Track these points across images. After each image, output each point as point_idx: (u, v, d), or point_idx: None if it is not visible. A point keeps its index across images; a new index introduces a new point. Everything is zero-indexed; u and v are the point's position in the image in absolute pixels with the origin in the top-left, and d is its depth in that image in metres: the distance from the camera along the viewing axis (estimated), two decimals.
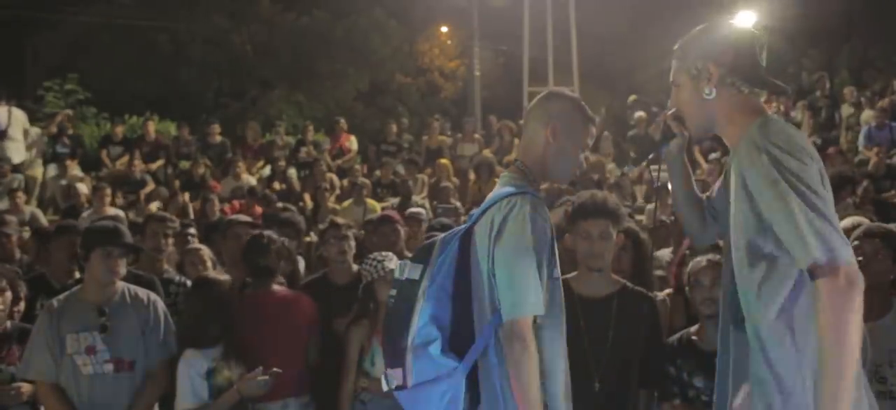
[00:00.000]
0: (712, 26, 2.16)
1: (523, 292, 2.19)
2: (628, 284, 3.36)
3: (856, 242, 3.07)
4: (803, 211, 1.81)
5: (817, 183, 1.86)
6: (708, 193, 2.49)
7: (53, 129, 11.07)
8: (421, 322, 2.26)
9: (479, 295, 2.32)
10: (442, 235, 2.44)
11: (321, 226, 4.64)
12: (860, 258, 2.86)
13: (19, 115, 10.56)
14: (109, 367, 3.34)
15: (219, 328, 3.42)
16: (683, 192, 2.48)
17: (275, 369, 3.40)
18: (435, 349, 2.25)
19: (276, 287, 3.88)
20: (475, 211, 2.44)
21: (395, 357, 2.28)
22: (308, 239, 6.95)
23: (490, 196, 2.41)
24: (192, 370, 3.32)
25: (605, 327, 3.14)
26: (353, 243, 4.30)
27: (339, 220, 4.52)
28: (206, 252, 4.82)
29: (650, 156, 10.52)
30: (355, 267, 4.18)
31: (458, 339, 2.29)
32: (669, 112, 2.34)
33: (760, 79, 2.10)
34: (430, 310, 2.28)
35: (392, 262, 3.70)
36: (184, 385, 3.33)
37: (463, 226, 2.43)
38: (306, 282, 4.36)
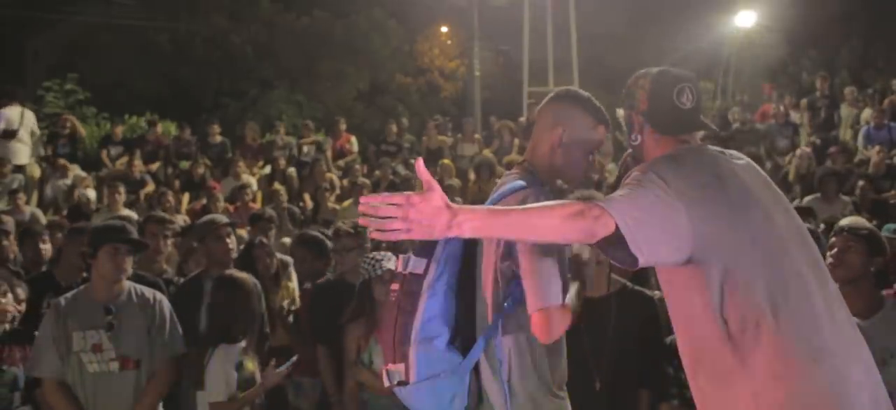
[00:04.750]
0: (639, 74, 2.25)
1: (548, 283, 2.10)
2: (628, 284, 3.37)
3: (832, 239, 3.09)
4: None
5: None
6: None
7: (69, 131, 11.19)
8: (426, 316, 2.18)
9: (482, 291, 2.25)
10: None
11: (342, 224, 4.62)
12: (834, 251, 2.99)
13: (30, 117, 10.57)
14: (115, 366, 3.35)
15: (245, 323, 3.55)
16: None
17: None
18: (440, 343, 2.18)
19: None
20: None
21: (397, 353, 2.20)
22: None
23: (496, 191, 2.32)
24: (227, 363, 3.41)
25: (606, 327, 3.15)
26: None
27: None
28: None
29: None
30: None
31: (462, 336, 2.22)
32: (629, 152, 2.42)
33: (674, 123, 2.17)
34: (435, 305, 2.19)
35: (390, 262, 3.71)
36: (217, 378, 3.39)
37: None
38: (322, 283, 4.40)
